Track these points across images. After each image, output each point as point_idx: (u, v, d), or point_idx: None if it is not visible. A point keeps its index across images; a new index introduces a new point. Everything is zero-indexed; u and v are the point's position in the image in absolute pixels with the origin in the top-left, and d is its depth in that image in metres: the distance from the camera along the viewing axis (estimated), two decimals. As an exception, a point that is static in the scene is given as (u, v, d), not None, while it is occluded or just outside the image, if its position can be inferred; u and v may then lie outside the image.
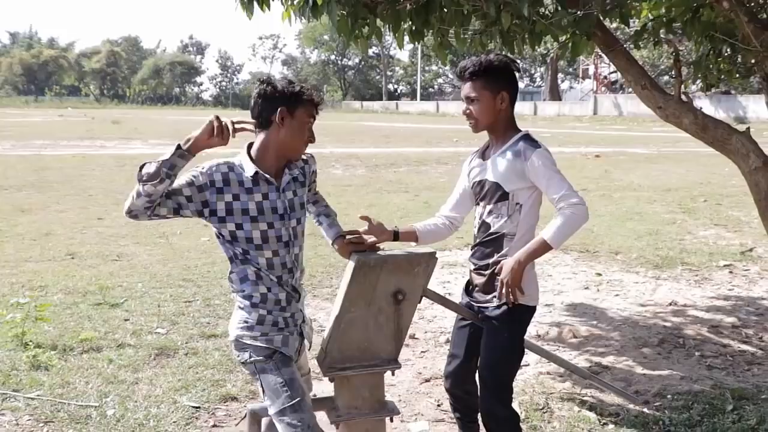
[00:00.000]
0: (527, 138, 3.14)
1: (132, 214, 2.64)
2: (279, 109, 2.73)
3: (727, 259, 8.39)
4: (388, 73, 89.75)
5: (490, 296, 3.19)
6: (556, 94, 63.87)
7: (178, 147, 2.63)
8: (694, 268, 8.02)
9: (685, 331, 5.90)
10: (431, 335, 5.80)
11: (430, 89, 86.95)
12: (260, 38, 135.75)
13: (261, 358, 2.79)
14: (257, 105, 2.78)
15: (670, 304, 6.70)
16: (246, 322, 2.82)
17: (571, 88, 77.14)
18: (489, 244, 3.21)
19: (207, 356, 5.12)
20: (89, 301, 6.30)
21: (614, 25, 4.91)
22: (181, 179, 2.68)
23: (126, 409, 4.26)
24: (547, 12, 4.33)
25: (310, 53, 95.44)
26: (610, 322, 6.16)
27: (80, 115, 48.24)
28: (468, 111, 3.15)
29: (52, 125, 36.75)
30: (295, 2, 4.39)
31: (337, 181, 15.48)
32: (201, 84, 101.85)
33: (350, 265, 2.88)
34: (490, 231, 3.20)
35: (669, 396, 4.52)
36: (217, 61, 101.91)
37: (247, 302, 2.82)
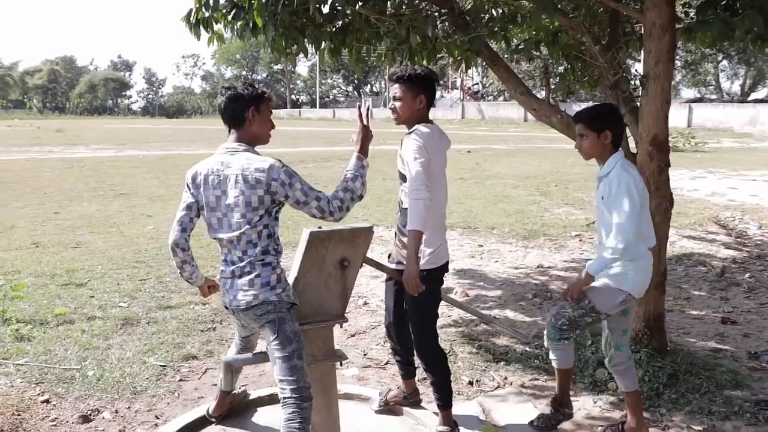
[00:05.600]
0: (414, 129, 3.19)
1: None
2: (250, 109, 2.78)
3: (577, 230, 8.87)
4: (291, 86, 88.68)
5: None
6: (430, 102, 64.53)
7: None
8: (553, 238, 8.43)
9: (551, 286, 6.25)
10: (351, 299, 5.87)
11: (326, 99, 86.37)
12: (183, 57, 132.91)
13: (284, 310, 2.77)
14: (229, 108, 2.80)
15: (538, 267, 7.05)
16: (280, 279, 2.79)
17: (442, 96, 78.31)
18: (403, 218, 3.26)
19: (166, 324, 5.04)
20: (57, 282, 6.04)
21: (496, 44, 5.09)
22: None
23: (104, 370, 4.17)
24: (444, 34, 4.46)
25: (224, 70, 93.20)
26: (493, 283, 6.43)
27: (26, 126, 45.07)
28: (393, 107, 3.27)
29: (3, 134, 34.17)
30: (237, 25, 4.35)
31: (257, 176, 15.22)
32: (130, 97, 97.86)
33: (303, 238, 2.92)
34: (402, 207, 3.28)
35: (544, 337, 4.79)
36: (143, 77, 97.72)
37: (279, 267, 2.81)
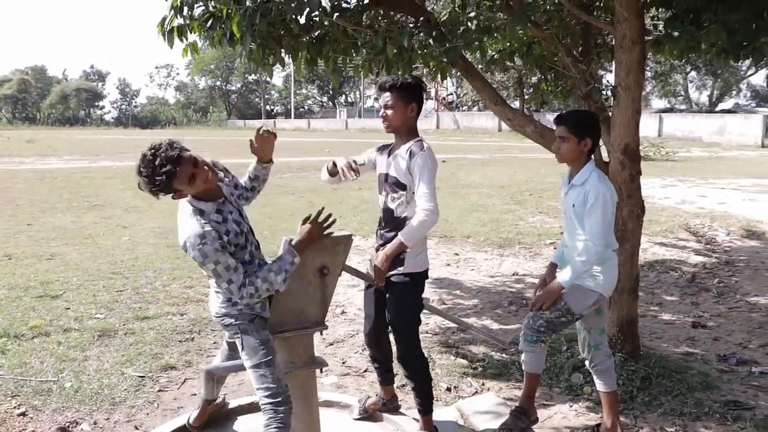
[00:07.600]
0: (419, 142, 3.26)
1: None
2: (172, 188, 2.60)
3: (551, 238, 8.95)
4: (266, 96, 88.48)
5: (393, 270, 3.29)
6: (405, 112, 64.59)
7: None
8: (528, 246, 8.53)
9: (526, 294, 6.32)
10: (329, 308, 5.89)
11: (301, 109, 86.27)
12: (156, 67, 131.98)
13: (245, 322, 2.80)
14: (157, 194, 2.64)
15: (513, 275, 7.14)
16: (229, 299, 2.81)
17: (417, 107, 78.53)
18: (392, 226, 3.31)
19: (144, 335, 5.01)
20: (31, 295, 5.95)
21: (470, 55, 5.18)
22: (220, 251, 2.61)
23: (81, 381, 4.13)
24: (420, 45, 4.52)
25: (198, 80, 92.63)
26: (469, 291, 6.50)
27: (-4, 136, 44.33)
28: (384, 115, 3.28)
29: (-31, 145, 33.53)
30: (214, 35, 4.35)
31: (232, 187, 15.12)
32: (103, 107, 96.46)
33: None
34: (394, 216, 3.31)
35: (520, 339, 4.85)
36: (117, 87, 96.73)
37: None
